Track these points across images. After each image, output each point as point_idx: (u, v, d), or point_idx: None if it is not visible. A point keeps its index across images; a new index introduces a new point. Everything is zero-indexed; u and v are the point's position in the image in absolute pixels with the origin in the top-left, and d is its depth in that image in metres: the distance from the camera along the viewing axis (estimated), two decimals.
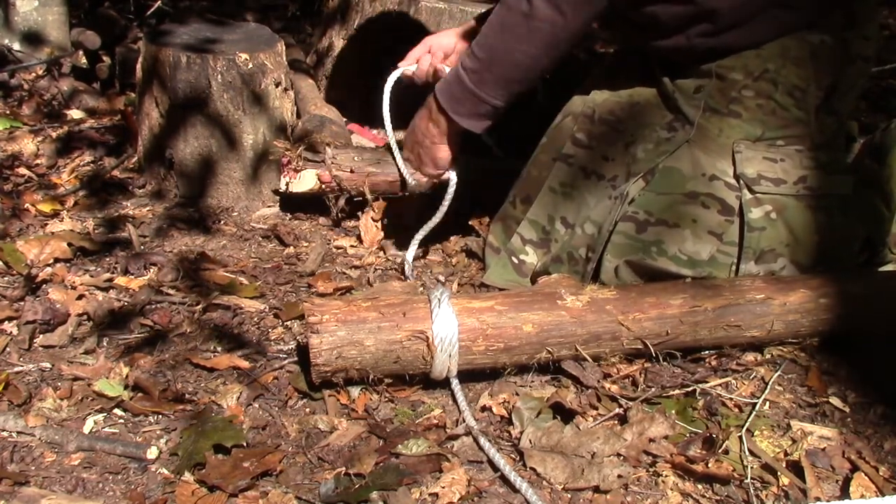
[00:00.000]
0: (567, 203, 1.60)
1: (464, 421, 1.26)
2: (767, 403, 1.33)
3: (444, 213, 1.69)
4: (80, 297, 1.54)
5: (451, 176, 1.67)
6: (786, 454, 1.22)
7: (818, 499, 1.13)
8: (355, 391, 1.32)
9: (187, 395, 1.31)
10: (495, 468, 1.17)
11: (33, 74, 2.65)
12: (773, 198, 1.47)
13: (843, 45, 1.48)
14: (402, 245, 1.77)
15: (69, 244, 1.69)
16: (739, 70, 1.47)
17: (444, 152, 1.59)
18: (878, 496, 1.12)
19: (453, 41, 1.70)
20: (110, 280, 1.62)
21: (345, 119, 2.15)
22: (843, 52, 1.49)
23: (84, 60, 2.66)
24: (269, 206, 1.94)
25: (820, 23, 1.46)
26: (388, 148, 1.72)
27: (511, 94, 1.48)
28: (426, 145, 1.59)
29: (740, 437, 1.23)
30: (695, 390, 1.34)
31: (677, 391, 1.34)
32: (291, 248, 1.79)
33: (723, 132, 1.49)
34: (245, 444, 1.19)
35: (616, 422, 1.27)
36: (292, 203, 1.92)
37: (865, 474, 1.17)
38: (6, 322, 1.47)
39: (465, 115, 1.49)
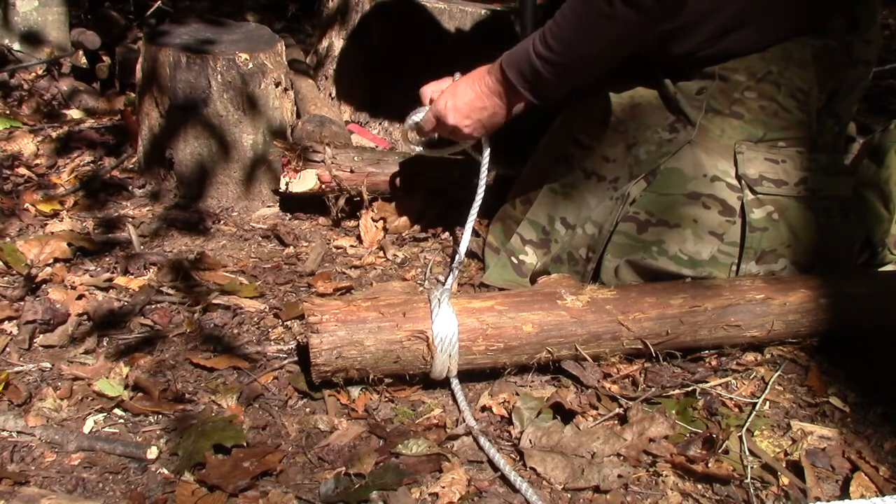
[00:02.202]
0: (567, 203, 1.60)
1: (464, 421, 1.26)
2: (767, 403, 1.33)
3: (483, 189, 1.63)
4: (80, 297, 1.54)
5: (486, 149, 1.63)
6: (786, 454, 1.22)
7: (818, 499, 1.13)
8: (355, 391, 1.32)
9: (187, 395, 1.31)
10: (495, 468, 1.17)
11: (33, 74, 2.65)
12: (775, 199, 1.48)
13: (845, 49, 1.49)
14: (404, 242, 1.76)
15: (69, 244, 1.69)
16: (742, 72, 1.48)
17: (499, 119, 1.56)
18: (878, 496, 1.12)
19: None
20: (110, 280, 1.62)
21: (345, 119, 2.15)
22: (846, 55, 1.49)
23: (84, 60, 2.66)
24: (269, 206, 1.94)
25: (822, 26, 1.47)
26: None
27: (572, 84, 1.50)
28: (488, 113, 1.54)
29: (740, 437, 1.23)
30: (695, 390, 1.34)
31: (677, 391, 1.34)
32: (291, 248, 1.79)
33: (725, 133, 1.49)
34: (245, 444, 1.19)
35: (616, 422, 1.27)
36: (292, 203, 1.92)
37: (865, 474, 1.17)
38: (6, 322, 1.47)
39: (534, 94, 1.49)
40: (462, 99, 1.54)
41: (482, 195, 1.63)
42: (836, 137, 1.56)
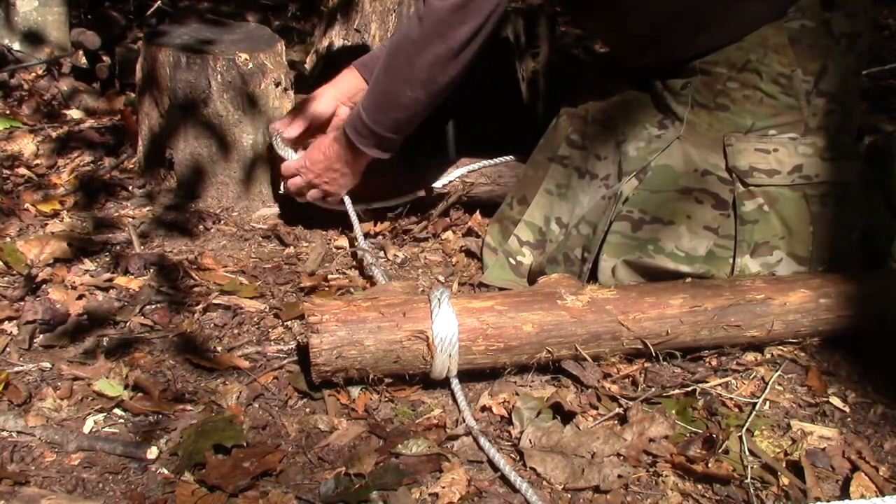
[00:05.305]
0: (562, 204, 1.61)
1: (464, 421, 1.26)
2: (767, 403, 1.33)
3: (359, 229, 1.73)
4: (80, 297, 1.54)
5: (346, 198, 1.74)
6: (786, 454, 1.22)
7: (818, 499, 1.13)
8: (355, 391, 1.32)
9: (187, 395, 1.31)
10: (495, 468, 1.17)
11: (33, 74, 2.65)
12: (765, 190, 1.47)
13: (824, 26, 1.48)
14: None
15: (69, 244, 1.69)
16: (722, 64, 1.49)
17: (351, 179, 1.70)
18: (878, 496, 1.12)
19: (332, 106, 1.76)
20: (110, 280, 1.61)
21: None
22: (825, 33, 1.48)
23: (84, 60, 2.66)
24: (268, 206, 1.94)
25: (797, 8, 1.46)
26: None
27: (407, 130, 1.59)
28: (338, 172, 1.68)
29: (740, 437, 1.23)
30: (695, 390, 1.34)
31: (677, 391, 1.34)
32: (291, 248, 1.79)
33: (712, 126, 1.50)
34: (245, 444, 1.19)
35: (616, 422, 1.27)
36: (292, 203, 1.92)
37: (865, 474, 1.17)
38: (6, 322, 1.47)
39: (370, 146, 1.60)
40: (315, 162, 1.68)
41: (364, 243, 1.70)
42: (830, 117, 1.52)
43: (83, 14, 3.03)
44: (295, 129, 1.74)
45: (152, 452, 1.18)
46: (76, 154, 2.18)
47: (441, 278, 1.71)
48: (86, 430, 1.24)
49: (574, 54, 3.12)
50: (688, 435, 1.25)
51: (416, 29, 1.46)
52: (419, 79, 1.48)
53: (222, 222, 1.88)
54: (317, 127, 1.76)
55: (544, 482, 1.16)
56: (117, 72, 2.59)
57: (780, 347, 1.45)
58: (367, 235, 1.76)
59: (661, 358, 1.38)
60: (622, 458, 1.18)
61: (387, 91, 1.53)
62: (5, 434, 1.22)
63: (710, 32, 1.48)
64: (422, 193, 1.85)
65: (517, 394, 1.34)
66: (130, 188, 2.01)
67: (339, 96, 1.75)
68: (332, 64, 2.22)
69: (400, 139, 1.60)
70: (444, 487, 1.12)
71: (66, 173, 2.08)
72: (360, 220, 1.75)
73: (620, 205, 1.51)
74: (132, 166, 2.08)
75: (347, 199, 1.75)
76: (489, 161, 1.87)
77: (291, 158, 1.73)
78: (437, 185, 1.85)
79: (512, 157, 1.88)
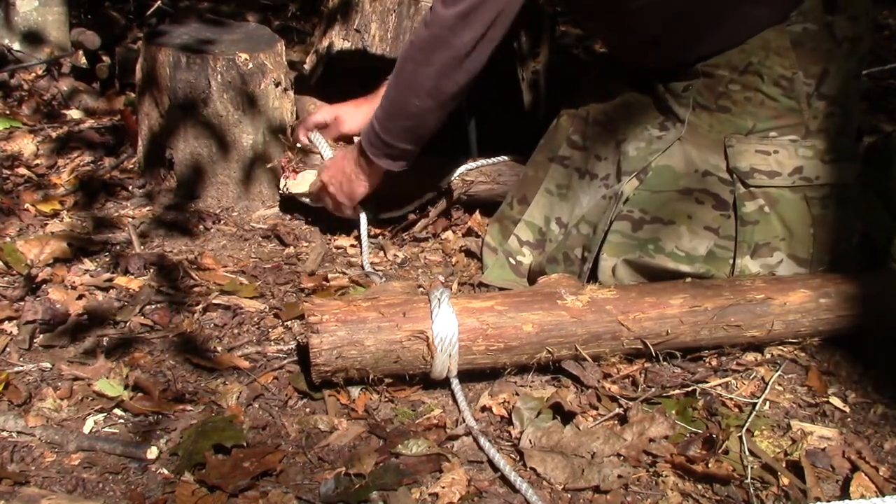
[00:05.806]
0: (563, 204, 1.61)
1: (464, 421, 1.26)
2: (767, 403, 1.33)
3: (367, 248, 1.75)
4: (80, 297, 1.54)
5: (362, 215, 1.76)
6: (786, 454, 1.22)
7: (818, 499, 1.13)
8: (355, 391, 1.32)
9: (187, 395, 1.31)
10: (495, 468, 1.17)
11: (33, 74, 2.65)
12: (766, 191, 1.48)
13: (826, 30, 1.48)
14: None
15: (69, 244, 1.69)
16: (724, 66, 1.49)
17: (363, 188, 1.70)
18: (878, 496, 1.12)
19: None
20: (110, 280, 1.61)
21: None
22: (828, 36, 1.49)
23: (84, 60, 2.65)
24: (269, 207, 1.94)
25: (800, 12, 1.47)
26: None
27: (417, 140, 1.59)
28: (350, 180, 1.69)
29: (740, 437, 1.23)
30: (695, 390, 1.34)
31: (677, 391, 1.34)
32: (291, 248, 1.79)
33: (713, 128, 1.50)
34: (245, 444, 1.19)
35: (616, 422, 1.27)
36: (292, 203, 1.92)
37: (865, 474, 1.17)
38: (6, 322, 1.47)
39: (381, 157, 1.60)
40: (334, 166, 1.70)
41: (367, 250, 1.73)
42: (831, 120, 1.52)
43: (83, 14, 3.03)
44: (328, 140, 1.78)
45: (152, 452, 1.18)
46: (76, 154, 2.18)
47: (441, 278, 1.71)
48: (86, 430, 1.24)
49: (574, 54, 3.11)
50: (688, 435, 1.25)
51: (423, 36, 1.46)
52: (425, 87, 1.48)
53: (222, 222, 1.88)
54: (348, 139, 1.78)
55: (544, 482, 1.16)
56: (117, 72, 2.59)
57: (780, 347, 1.45)
58: (368, 236, 1.77)
59: (661, 358, 1.38)
60: (622, 458, 1.18)
61: (396, 99, 1.54)
62: (5, 434, 1.22)
63: (712, 35, 1.48)
64: (427, 197, 1.85)
65: (517, 394, 1.34)
66: (130, 188, 2.01)
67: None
68: (332, 64, 2.21)
69: (412, 151, 1.59)
70: (444, 487, 1.12)
71: (66, 173, 2.08)
72: (368, 236, 1.77)
73: (621, 205, 1.51)
74: (132, 166, 2.08)
75: (363, 218, 1.76)
76: (488, 160, 1.87)
77: (327, 153, 1.75)
78: (442, 184, 1.84)
79: (506, 157, 1.87)
